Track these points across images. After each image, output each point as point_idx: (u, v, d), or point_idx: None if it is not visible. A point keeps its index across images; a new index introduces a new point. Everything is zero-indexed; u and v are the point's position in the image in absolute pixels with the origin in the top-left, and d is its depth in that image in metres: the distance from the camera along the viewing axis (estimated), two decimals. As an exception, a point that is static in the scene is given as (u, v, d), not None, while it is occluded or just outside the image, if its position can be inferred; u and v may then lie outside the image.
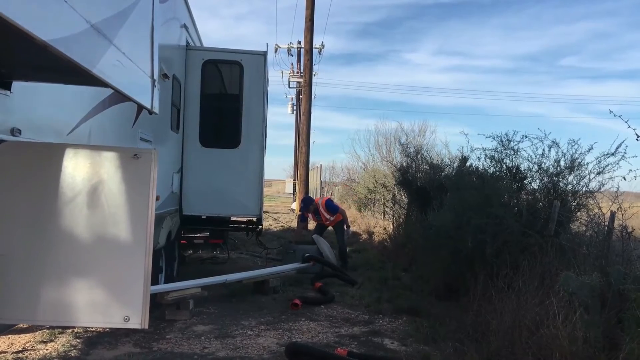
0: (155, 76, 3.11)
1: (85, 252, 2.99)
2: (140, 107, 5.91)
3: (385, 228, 14.53)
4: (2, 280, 2.87)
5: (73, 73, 2.68)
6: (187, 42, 8.89)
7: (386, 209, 16.25)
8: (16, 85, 3.12)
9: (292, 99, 38.05)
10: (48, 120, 3.67)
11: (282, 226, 19.09)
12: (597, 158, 6.93)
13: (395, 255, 11.55)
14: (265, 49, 9.45)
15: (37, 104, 3.46)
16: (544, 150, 7.39)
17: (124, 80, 2.56)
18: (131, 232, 2.98)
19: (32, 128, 3.34)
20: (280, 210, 28.52)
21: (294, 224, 19.29)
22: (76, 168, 3.00)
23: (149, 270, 3.01)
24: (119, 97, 5.08)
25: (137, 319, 2.98)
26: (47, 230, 2.95)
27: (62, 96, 3.80)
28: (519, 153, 7.79)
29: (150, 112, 3.26)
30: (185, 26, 8.45)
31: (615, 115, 5.73)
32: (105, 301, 2.99)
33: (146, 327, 3.06)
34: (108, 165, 3.01)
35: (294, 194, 32.78)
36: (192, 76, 8.87)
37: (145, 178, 2.99)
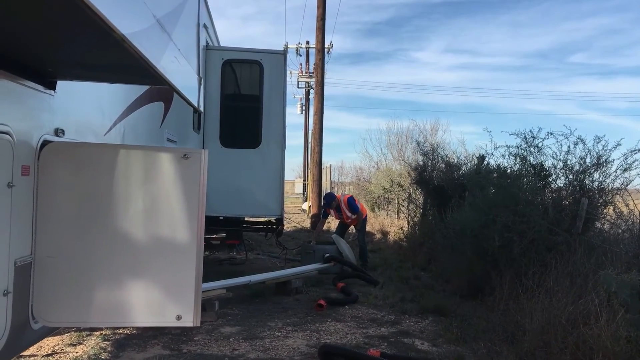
0: (201, 74, 3.06)
1: (137, 252, 2.95)
2: (167, 107, 5.91)
3: (401, 227, 14.46)
4: (53, 282, 2.83)
5: (121, 71, 2.63)
6: (207, 42, 8.85)
7: (401, 208, 16.17)
8: (59, 85, 3.07)
9: (300, 99, 37.99)
10: (88, 121, 3.62)
11: (294, 226, 19.02)
12: (624, 154, 6.87)
13: (412, 255, 11.50)
14: (284, 48, 9.42)
15: (79, 105, 3.41)
16: (569, 147, 7.32)
17: (178, 78, 2.51)
18: (182, 231, 2.94)
19: (74, 129, 3.30)
20: (291, 210, 28.46)
21: (306, 224, 19.22)
22: (126, 169, 2.96)
23: (201, 269, 2.98)
24: (148, 97, 5.06)
25: (190, 317, 2.95)
26: (97, 231, 2.91)
27: (100, 96, 3.75)
28: (542, 150, 7.74)
29: (196, 111, 3.21)
30: (205, 26, 8.41)
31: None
32: (157, 300, 2.95)
33: (198, 324, 3.04)
34: (158, 166, 2.96)
35: (304, 194, 32.71)
36: (212, 76, 8.83)
37: (195, 178, 2.94)
